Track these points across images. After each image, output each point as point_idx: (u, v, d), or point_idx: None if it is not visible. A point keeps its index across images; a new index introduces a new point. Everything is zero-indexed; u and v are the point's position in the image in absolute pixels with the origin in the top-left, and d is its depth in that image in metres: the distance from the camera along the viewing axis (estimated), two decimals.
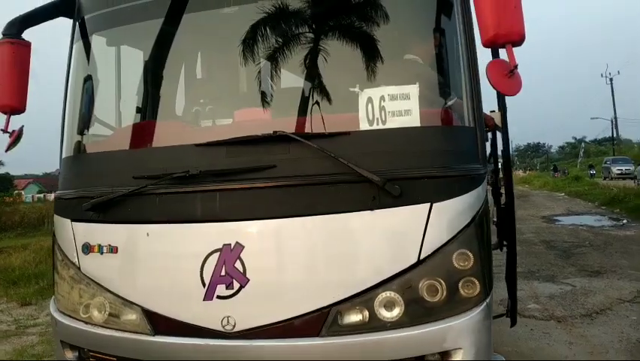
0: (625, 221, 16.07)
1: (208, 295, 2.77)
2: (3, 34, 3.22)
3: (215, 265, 2.77)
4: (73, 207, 3.21)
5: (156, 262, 2.95)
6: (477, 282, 2.67)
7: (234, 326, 2.74)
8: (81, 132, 3.41)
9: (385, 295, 2.65)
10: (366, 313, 2.66)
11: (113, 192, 2.95)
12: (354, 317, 2.67)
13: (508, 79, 2.51)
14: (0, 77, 3.17)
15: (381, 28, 3.00)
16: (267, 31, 3.22)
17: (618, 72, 65.97)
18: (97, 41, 3.48)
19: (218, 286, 2.76)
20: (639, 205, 17.77)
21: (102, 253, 3.05)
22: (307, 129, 2.92)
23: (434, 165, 2.73)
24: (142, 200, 2.95)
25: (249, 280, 2.72)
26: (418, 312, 2.64)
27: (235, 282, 2.74)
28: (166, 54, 3.35)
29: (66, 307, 3.20)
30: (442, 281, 2.65)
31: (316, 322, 2.68)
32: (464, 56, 2.89)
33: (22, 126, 3.28)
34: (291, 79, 3.24)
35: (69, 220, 3.20)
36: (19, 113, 3.25)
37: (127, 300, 2.98)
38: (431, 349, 2.65)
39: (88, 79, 3.46)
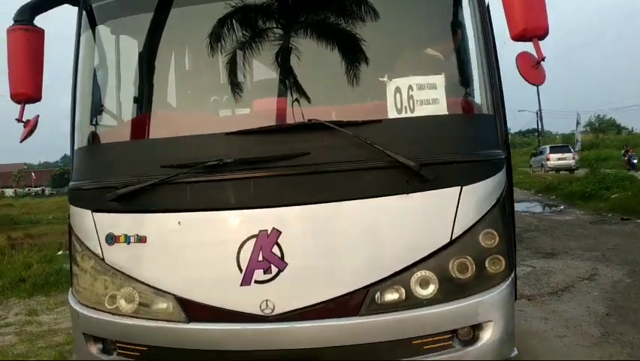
0: (562, 207, 17.10)
1: (245, 281, 2.83)
2: (15, 21, 3.11)
3: (252, 251, 2.82)
4: (93, 197, 3.15)
5: (189, 250, 2.96)
6: (502, 259, 2.87)
7: (273, 310, 2.81)
8: (96, 122, 3.34)
9: (420, 273, 2.80)
10: (403, 291, 2.80)
11: (140, 181, 2.93)
12: (391, 296, 2.80)
13: (534, 70, 2.72)
14: (14, 64, 3.06)
15: (407, 19, 3.14)
16: (289, 19, 3.29)
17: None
18: (108, 29, 3.42)
19: (255, 271, 2.82)
20: (573, 192, 18.89)
21: (129, 243, 3.03)
22: (333, 118, 2.99)
23: (462, 151, 2.90)
24: (172, 189, 2.94)
25: (287, 264, 2.80)
26: (451, 289, 2.80)
27: (273, 266, 2.81)
28: (181, 42, 3.35)
29: (89, 299, 3.15)
30: (471, 259, 2.82)
31: (355, 302, 2.80)
32: (484, 49, 3.07)
33: (38, 116, 3.19)
34: (312, 68, 3.30)
35: (89, 211, 3.14)
36: (34, 102, 3.15)
37: (158, 289, 2.97)
38: (464, 322, 2.83)
39: (100, 68, 3.40)
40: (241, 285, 2.84)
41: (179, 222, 2.95)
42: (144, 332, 3.02)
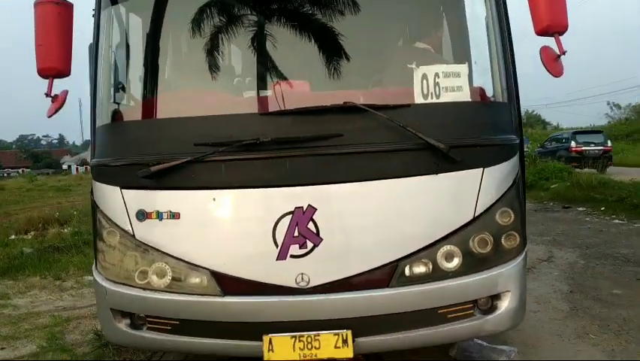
0: None
1: (281, 255, 2.95)
2: None
3: (288, 227, 2.95)
4: (122, 174, 3.17)
5: (225, 226, 3.06)
6: (517, 235, 3.13)
7: (308, 282, 2.95)
8: (121, 100, 3.34)
9: (446, 248, 3.01)
10: (430, 265, 3.00)
11: (173, 159, 2.97)
12: (420, 269, 3.00)
13: (555, 62, 2.98)
14: (45, 38, 3.02)
15: (433, 12, 3.32)
16: (316, 6, 3.40)
17: None
18: (132, 5, 3.41)
19: (291, 246, 2.95)
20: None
21: (161, 220, 3.07)
22: (361, 101, 3.13)
23: (483, 135, 3.12)
24: (207, 166, 3.00)
25: (322, 239, 2.94)
26: (472, 262, 3.03)
27: (308, 242, 2.95)
28: (208, 20, 3.37)
29: (117, 275, 3.17)
30: (490, 235, 3.06)
31: (386, 274, 2.98)
32: (501, 41, 3.29)
33: (67, 91, 3.15)
34: (339, 52, 3.41)
35: (118, 188, 3.15)
36: (63, 77, 3.12)
37: (193, 264, 3.04)
38: (486, 293, 3.08)
39: (123, 46, 3.38)
40: (277, 259, 2.96)
41: (214, 199, 3.03)
42: (177, 306, 3.09)
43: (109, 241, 3.20)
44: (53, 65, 3.04)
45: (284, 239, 2.95)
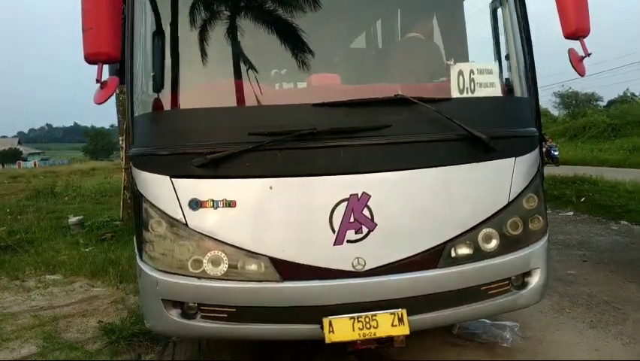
0: None
1: (338, 240, 3.08)
2: None
3: (344, 213, 3.08)
4: (171, 163, 3.14)
5: (283, 213, 3.11)
6: (541, 218, 3.47)
7: (365, 266, 3.10)
8: (166, 88, 3.28)
9: (486, 231, 3.28)
10: (472, 246, 3.26)
11: (229, 148, 3.00)
12: (463, 250, 3.25)
13: (580, 63, 3.34)
14: (95, 22, 2.92)
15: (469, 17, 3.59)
16: (353, 6, 3.55)
17: None
18: None
19: (347, 231, 3.09)
20: None
21: (216, 208, 3.09)
22: (400, 94, 3.32)
23: (514, 128, 3.43)
24: (262, 155, 3.06)
25: (376, 224, 3.11)
26: (507, 243, 3.32)
27: (364, 227, 3.10)
28: (255, 11, 3.41)
29: (169, 265, 3.14)
30: (520, 219, 3.37)
31: (434, 256, 3.20)
32: (525, 42, 3.60)
33: (116, 78, 3.06)
34: (379, 49, 3.60)
35: (167, 177, 3.12)
36: (114, 62, 3.03)
37: (251, 251, 3.09)
38: (521, 270, 3.39)
39: (167, 32, 3.32)
40: (334, 244, 3.09)
41: (270, 187, 3.08)
42: (235, 294, 3.12)
43: (159, 231, 3.15)
44: (104, 49, 2.94)
45: (340, 225, 3.08)
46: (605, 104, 47.19)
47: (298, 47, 3.47)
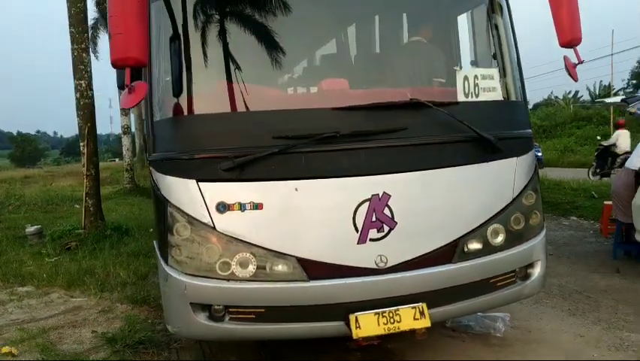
0: None
1: (362, 239, 3.21)
2: None
3: (367, 213, 3.22)
4: (197, 167, 3.17)
5: (308, 214, 3.20)
6: (539, 213, 3.73)
7: (387, 263, 3.24)
8: (188, 93, 3.29)
9: (494, 226, 3.50)
10: (482, 241, 3.47)
11: (255, 151, 3.07)
12: (475, 245, 3.45)
13: (574, 69, 3.63)
14: (124, 27, 2.89)
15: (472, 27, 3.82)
16: (370, 15, 3.70)
17: None
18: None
19: (370, 230, 3.22)
20: None
21: (244, 211, 3.14)
22: (408, 98, 3.49)
23: (514, 129, 3.68)
24: (288, 158, 3.15)
25: (397, 223, 3.26)
26: (512, 237, 3.56)
27: (385, 226, 3.24)
28: (275, 17, 3.47)
29: (197, 268, 3.16)
30: (522, 214, 3.62)
31: (449, 252, 3.38)
32: (515, 50, 3.87)
33: (145, 83, 3.05)
34: (391, 55, 3.76)
35: (193, 181, 3.15)
36: (142, 66, 3.02)
37: (279, 252, 3.16)
38: (525, 262, 3.63)
39: (187, 36, 3.31)
40: (358, 243, 3.21)
41: (296, 189, 3.17)
42: (264, 294, 3.18)
43: (185, 235, 3.17)
44: (133, 54, 2.91)
45: (363, 224, 3.21)
46: (531, 107, 49.76)
47: (313, 54, 3.58)
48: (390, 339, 4.13)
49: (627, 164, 6.60)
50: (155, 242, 3.50)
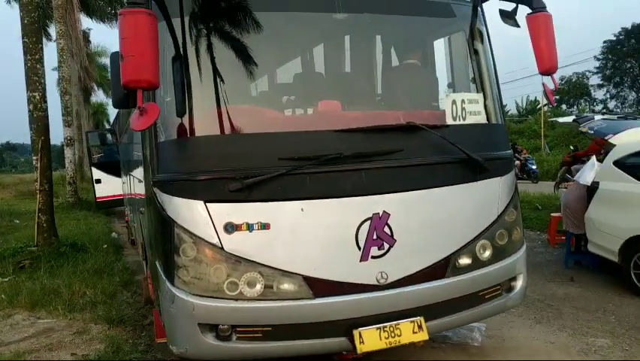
0: None
1: (364, 257, 3.35)
2: (135, 4, 2.94)
3: (368, 231, 3.35)
4: (205, 188, 3.20)
5: (313, 233, 3.30)
6: (519, 229, 3.99)
7: (387, 279, 3.38)
8: (192, 114, 3.31)
9: (482, 242, 3.72)
10: (472, 257, 3.68)
11: (261, 173, 3.15)
12: (465, 261, 3.65)
13: (552, 94, 3.93)
14: (137, 49, 2.90)
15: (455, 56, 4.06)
16: (364, 41, 3.86)
17: None
18: (196, 19, 3.41)
19: (372, 248, 3.36)
20: None
21: (251, 231, 3.20)
22: (402, 122, 3.67)
23: (498, 150, 3.93)
24: (293, 179, 3.24)
25: (396, 240, 3.41)
26: (497, 252, 3.78)
27: (385, 243, 3.39)
28: (277, 42, 3.58)
29: (205, 289, 3.18)
30: (504, 230, 3.86)
31: (443, 267, 3.57)
32: (495, 75, 4.14)
33: (156, 105, 3.05)
34: (385, 81, 3.94)
35: (201, 202, 3.18)
36: (154, 89, 3.02)
37: (286, 271, 3.23)
38: (509, 275, 3.87)
39: (194, 61, 3.34)
40: (360, 261, 3.34)
41: (301, 209, 3.27)
42: (271, 313, 3.24)
43: (193, 255, 3.18)
44: (145, 76, 2.92)
45: (365, 242, 3.34)
46: None
47: (313, 78, 3.70)
48: (374, 352, 4.26)
49: (579, 180, 7.08)
50: (157, 263, 3.47)
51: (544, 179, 20.81)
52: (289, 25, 3.67)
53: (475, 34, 4.12)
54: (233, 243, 3.19)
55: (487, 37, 4.14)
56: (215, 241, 3.17)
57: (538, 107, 40.36)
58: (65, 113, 16.64)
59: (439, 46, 4.26)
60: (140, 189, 4.56)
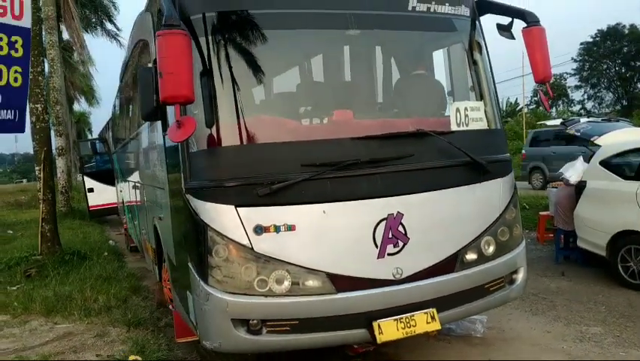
0: None
1: (380, 254, 3.64)
2: (172, 26, 3.20)
3: (384, 230, 3.65)
4: (235, 194, 3.47)
5: (335, 233, 3.58)
6: (518, 225, 4.32)
7: (402, 274, 3.68)
8: (222, 126, 3.57)
9: (486, 238, 4.03)
10: (477, 252, 3.99)
11: (288, 178, 3.44)
12: (472, 256, 3.96)
13: (547, 101, 4.27)
14: (175, 67, 3.16)
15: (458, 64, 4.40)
16: (374, 54, 4.16)
17: None
18: (226, 35, 3.70)
19: (388, 246, 3.66)
20: None
21: (278, 232, 3.48)
22: (410, 128, 3.97)
23: (499, 153, 4.26)
24: (316, 183, 3.53)
25: (409, 238, 3.71)
26: (500, 248, 4.10)
27: (400, 241, 3.69)
28: (299, 57, 3.86)
29: (237, 286, 3.44)
30: (506, 227, 4.18)
31: (452, 262, 3.88)
32: (493, 83, 4.47)
33: (192, 118, 3.31)
34: (395, 91, 4.26)
35: (232, 206, 3.44)
36: (189, 103, 3.28)
37: (311, 268, 3.51)
38: (511, 269, 4.20)
39: (224, 75, 3.60)
40: (377, 258, 3.63)
41: (324, 211, 3.55)
42: (298, 307, 3.51)
43: (225, 256, 3.44)
44: (183, 92, 3.18)
45: (382, 240, 3.63)
46: None
47: (329, 89, 4.00)
48: (384, 344, 4.55)
49: (565, 174, 7.50)
50: (190, 264, 3.71)
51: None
52: (306, 43, 3.96)
53: (474, 46, 4.45)
54: (263, 244, 3.45)
55: (485, 48, 4.48)
56: (245, 242, 3.44)
57: (518, 108, 41.27)
58: (57, 123, 16.66)
59: (443, 57, 4.58)
60: (160, 197, 4.79)
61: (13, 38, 6.19)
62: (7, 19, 6.11)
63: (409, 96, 4.37)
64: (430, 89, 4.51)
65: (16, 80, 6.29)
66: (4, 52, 6.12)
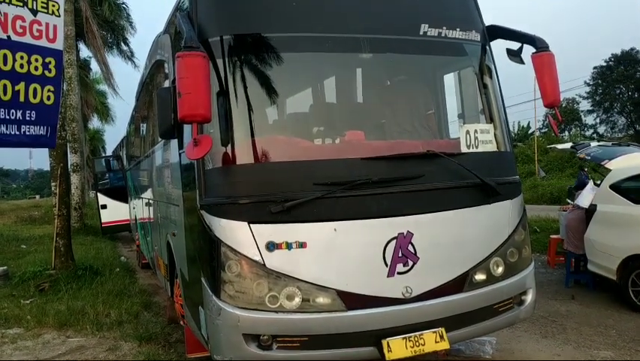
0: None
1: (390, 273, 3.69)
2: (192, 48, 3.33)
3: (394, 249, 3.71)
4: (248, 211, 3.55)
5: (345, 251, 3.65)
6: (527, 247, 4.36)
7: (411, 293, 3.72)
8: (236, 144, 3.67)
9: (495, 259, 4.07)
10: (486, 272, 4.03)
11: (299, 197, 3.52)
12: (481, 276, 4.00)
13: (556, 125, 4.34)
14: (194, 87, 3.28)
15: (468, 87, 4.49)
16: (388, 79, 4.28)
17: None
18: (244, 57, 3.84)
19: (397, 265, 3.71)
20: None
21: (290, 249, 3.55)
22: (421, 150, 4.06)
23: (508, 175, 4.32)
24: (327, 202, 3.61)
25: (419, 258, 3.76)
26: (509, 269, 4.13)
27: (409, 260, 3.74)
28: (312, 78, 3.98)
29: (249, 302, 3.50)
30: (514, 249, 4.22)
31: (461, 282, 3.91)
32: (503, 106, 4.55)
33: (209, 136, 3.42)
34: (404, 113, 4.37)
35: (245, 223, 3.52)
36: (207, 122, 3.40)
37: (322, 285, 3.57)
38: (520, 290, 4.22)
39: (239, 95, 3.73)
40: (387, 276, 3.68)
41: (335, 229, 3.62)
42: (308, 324, 3.56)
43: (238, 272, 3.51)
44: (200, 111, 3.30)
45: (392, 259, 3.69)
46: None
47: (341, 110, 4.11)
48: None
49: (578, 202, 7.50)
50: (203, 279, 3.78)
51: (540, 203, 21.24)
52: (320, 65, 4.08)
53: (485, 70, 4.54)
54: (274, 260, 3.52)
55: (495, 72, 4.58)
56: (257, 258, 3.51)
57: (530, 132, 41.20)
58: (72, 140, 16.93)
59: (453, 80, 4.68)
60: (174, 213, 4.89)
61: (47, 59, 6.48)
62: (43, 42, 6.41)
63: (419, 118, 4.46)
64: (441, 111, 4.61)
65: (49, 98, 6.58)
66: (39, 72, 6.41)
